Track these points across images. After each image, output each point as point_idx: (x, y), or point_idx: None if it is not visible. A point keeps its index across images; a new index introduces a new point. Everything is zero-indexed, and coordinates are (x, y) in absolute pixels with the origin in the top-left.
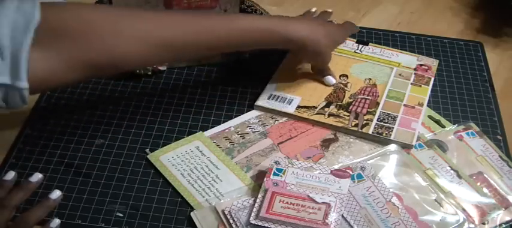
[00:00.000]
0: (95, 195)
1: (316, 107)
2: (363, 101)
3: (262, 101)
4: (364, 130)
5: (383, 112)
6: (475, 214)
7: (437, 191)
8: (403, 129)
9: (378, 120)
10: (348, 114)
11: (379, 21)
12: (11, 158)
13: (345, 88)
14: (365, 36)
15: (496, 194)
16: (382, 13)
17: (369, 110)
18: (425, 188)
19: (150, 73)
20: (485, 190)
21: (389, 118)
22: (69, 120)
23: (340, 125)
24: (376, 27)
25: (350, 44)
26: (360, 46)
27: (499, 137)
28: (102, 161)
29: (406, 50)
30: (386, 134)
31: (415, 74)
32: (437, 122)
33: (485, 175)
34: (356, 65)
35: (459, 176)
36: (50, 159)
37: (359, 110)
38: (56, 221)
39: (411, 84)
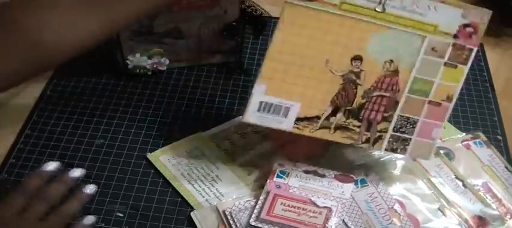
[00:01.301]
0: (95, 195)
1: (319, 118)
2: (379, 101)
3: (251, 115)
4: (376, 146)
5: (401, 117)
6: (478, 224)
7: (441, 199)
8: (421, 141)
9: (393, 131)
10: (359, 124)
11: None
12: (11, 158)
13: (357, 81)
14: None
15: (500, 205)
16: None
17: (384, 114)
18: (429, 195)
19: (150, 73)
20: (489, 200)
21: (408, 125)
22: (69, 120)
23: (349, 141)
24: None
25: None
26: None
27: (499, 137)
28: (102, 161)
29: None
30: (401, 149)
31: (453, 45)
32: None
33: (490, 185)
34: (376, 36)
35: (464, 186)
36: (50, 159)
37: (373, 116)
38: (90, 218)
39: (445, 64)
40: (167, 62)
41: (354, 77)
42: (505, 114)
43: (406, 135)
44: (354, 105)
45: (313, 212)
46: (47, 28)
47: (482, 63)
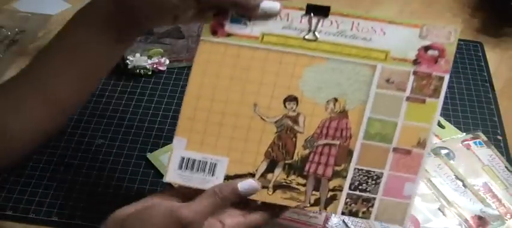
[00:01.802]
0: (95, 195)
1: (253, 175)
2: (327, 151)
3: (172, 174)
4: (329, 209)
5: (359, 170)
6: (478, 224)
7: (441, 199)
8: (390, 201)
9: (350, 189)
10: (304, 182)
11: None
12: None
13: (295, 127)
14: None
15: (500, 205)
16: (382, 13)
17: (336, 168)
18: (429, 195)
19: (150, 73)
20: (489, 200)
21: (369, 181)
22: (69, 120)
23: (293, 204)
24: None
25: (295, 21)
26: (314, 21)
27: (499, 137)
28: (102, 161)
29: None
30: (363, 212)
31: (415, 73)
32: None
33: (490, 185)
34: (309, 70)
35: (464, 186)
36: (50, 159)
37: (320, 171)
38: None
39: (408, 99)
40: (167, 62)
41: (290, 123)
42: (505, 114)
43: (368, 194)
44: (295, 157)
45: (313, 212)
46: None
47: (482, 63)
